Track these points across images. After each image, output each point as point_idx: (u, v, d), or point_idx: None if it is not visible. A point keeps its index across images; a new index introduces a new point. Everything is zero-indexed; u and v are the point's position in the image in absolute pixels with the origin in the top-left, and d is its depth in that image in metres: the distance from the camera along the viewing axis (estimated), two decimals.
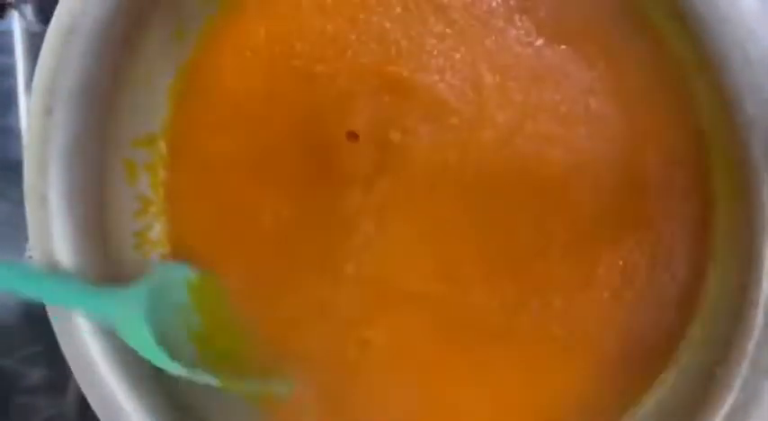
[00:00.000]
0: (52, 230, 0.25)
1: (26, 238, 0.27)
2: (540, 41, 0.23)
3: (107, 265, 0.27)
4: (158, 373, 0.25)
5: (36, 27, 0.35)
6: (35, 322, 0.38)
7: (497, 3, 0.23)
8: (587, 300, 0.24)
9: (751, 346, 0.19)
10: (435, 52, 0.24)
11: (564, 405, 0.24)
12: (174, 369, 0.24)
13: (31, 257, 0.40)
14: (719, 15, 0.18)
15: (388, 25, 0.25)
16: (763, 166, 0.19)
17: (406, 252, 0.25)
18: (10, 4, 0.36)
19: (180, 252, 0.29)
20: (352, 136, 0.25)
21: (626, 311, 0.23)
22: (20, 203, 0.27)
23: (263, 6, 0.26)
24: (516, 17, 0.23)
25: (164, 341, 0.24)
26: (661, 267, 0.23)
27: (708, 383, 0.21)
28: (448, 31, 0.24)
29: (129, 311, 0.24)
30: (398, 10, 0.24)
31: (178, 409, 0.27)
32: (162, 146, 0.28)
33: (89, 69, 0.24)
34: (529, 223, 0.24)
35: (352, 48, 0.25)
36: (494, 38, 0.23)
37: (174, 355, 0.24)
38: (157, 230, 0.29)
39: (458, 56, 0.24)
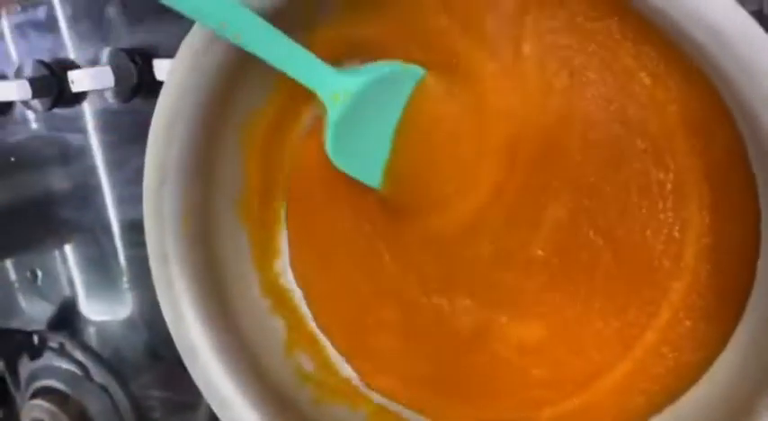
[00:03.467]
0: (176, 287, 0.30)
1: None
2: None
3: (229, 317, 0.31)
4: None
5: (116, 106, 0.40)
6: (155, 354, 0.43)
7: None
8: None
9: None
10: None
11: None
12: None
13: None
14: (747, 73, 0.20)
15: None
16: None
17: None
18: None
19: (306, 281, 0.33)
20: None
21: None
22: None
23: None
24: None
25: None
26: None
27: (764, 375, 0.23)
28: None
29: (343, 84, 0.24)
30: None
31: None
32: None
33: (189, 147, 0.28)
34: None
35: None
36: None
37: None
38: (275, 274, 0.33)
39: None
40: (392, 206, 0.30)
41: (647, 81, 0.24)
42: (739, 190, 0.24)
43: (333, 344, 0.33)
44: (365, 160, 0.28)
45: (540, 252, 0.28)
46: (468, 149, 0.27)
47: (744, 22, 0.20)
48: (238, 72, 0.27)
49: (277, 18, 0.25)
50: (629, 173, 0.26)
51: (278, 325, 0.34)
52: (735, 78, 0.21)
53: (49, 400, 0.47)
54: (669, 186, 0.25)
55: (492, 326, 0.30)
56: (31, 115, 0.43)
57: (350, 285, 0.32)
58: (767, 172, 0.22)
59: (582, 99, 0.25)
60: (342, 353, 0.33)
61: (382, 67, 0.26)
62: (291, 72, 0.25)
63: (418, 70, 0.26)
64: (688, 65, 0.23)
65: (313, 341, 0.34)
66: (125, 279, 0.45)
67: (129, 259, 0.44)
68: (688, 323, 0.27)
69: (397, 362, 0.32)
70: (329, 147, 0.27)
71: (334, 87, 0.25)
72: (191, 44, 0.26)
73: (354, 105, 0.25)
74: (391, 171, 0.29)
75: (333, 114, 0.25)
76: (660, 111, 0.24)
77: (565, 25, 0.25)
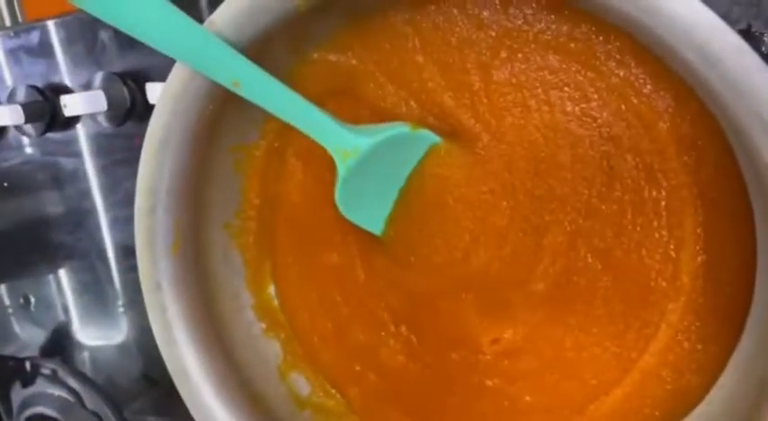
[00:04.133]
0: (168, 312, 0.29)
1: None
2: None
3: (223, 342, 0.31)
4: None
5: (109, 130, 0.40)
6: (148, 379, 0.42)
7: None
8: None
9: None
10: None
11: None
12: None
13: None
14: (737, 90, 0.20)
15: None
16: None
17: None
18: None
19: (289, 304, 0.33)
20: None
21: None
22: None
23: None
24: None
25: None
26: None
27: (759, 398, 0.23)
28: None
29: (353, 142, 0.25)
30: None
31: None
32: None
33: (181, 171, 0.28)
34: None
35: None
36: None
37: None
38: (269, 296, 0.33)
39: None
40: (388, 250, 0.30)
41: (633, 99, 0.24)
42: (733, 208, 0.24)
43: (317, 368, 0.33)
44: (370, 210, 0.29)
45: (541, 285, 0.28)
46: (478, 212, 0.28)
47: (732, 40, 0.20)
48: (230, 97, 0.27)
49: (266, 43, 0.26)
50: (622, 190, 0.25)
51: (273, 348, 0.33)
52: (723, 96, 0.20)
53: None
54: (663, 204, 0.25)
55: (472, 363, 0.29)
56: (24, 140, 0.43)
57: (329, 306, 0.32)
58: (760, 189, 0.22)
59: (564, 115, 0.25)
60: (326, 378, 0.33)
61: (393, 129, 0.27)
62: (303, 128, 0.26)
63: (431, 136, 0.27)
64: (676, 83, 0.23)
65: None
66: (120, 303, 0.44)
67: (124, 283, 0.44)
68: (686, 345, 0.27)
69: (379, 388, 0.32)
70: (338, 198, 0.28)
71: (344, 145, 0.26)
72: (181, 68, 0.26)
73: (363, 162, 0.26)
74: (395, 223, 0.29)
75: (342, 170, 0.27)
76: (649, 128, 0.24)
77: (546, 47, 0.25)
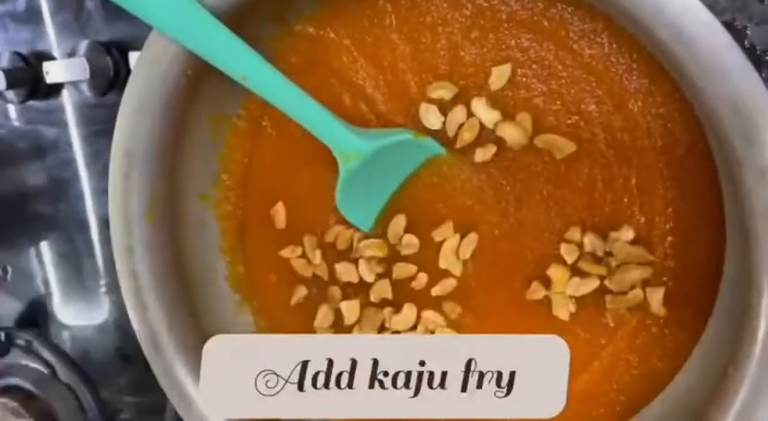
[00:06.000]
0: (140, 281, 0.29)
1: None
2: None
3: (196, 313, 0.31)
4: None
5: (92, 100, 0.39)
6: (126, 357, 0.42)
7: None
8: None
9: (758, 347, 0.21)
10: None
11: None
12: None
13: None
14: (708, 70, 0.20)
15: None
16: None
17: None
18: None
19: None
20: None
21: None
22: None
23: None
24: None
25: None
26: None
27: (720, 381, 0.23)
28: None
29: (356, 145, 0.26)
30: None
31: None
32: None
33: (156, 135, 0.28)
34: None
35: None
36: None
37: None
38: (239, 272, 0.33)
39: None
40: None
41: (605, 78, 0.24)
42: (703, 189, 0.24)
43: None
44: (363, 208, 0.29)
45: (517, 283, 0.28)
46: (466, 219, 0.28)
47: (706, 20, 0.20)
48: (209, 65, 0.27)
49: (249, 11, 0.26)
50: (592, 163, 0.25)
51: (248, 320, 0.33)
52: (695, 75, 0.20)
53: (14, 399, 0.46)
54: (633, 181, 0.25)
55: None
56: (7, 108, 0.43)
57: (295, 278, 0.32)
58: (730, 171, 0.22)
59: (527, 91, 0.25)
60: None
61: (397, 135, 0.27)
62: (310, 127, 0.26)
63: (434, 146, 0.27)
64: (650, 63, 0.23)
65: None
66: (102, 283, 0.44)
67: (106, 257, 0.44)
68: (654, 329, 0.27)
69: None
70: (338, 198, 0.28)
71: (349, 148, 0.26)
72: (159, 34, 0.26)
73: (364, 164, 0.27)
74: (384, 223, 0.29)
75: (344, 171, 0.27)
76: (620, 106, 0.24)
77: (520, 25, 0.25)
